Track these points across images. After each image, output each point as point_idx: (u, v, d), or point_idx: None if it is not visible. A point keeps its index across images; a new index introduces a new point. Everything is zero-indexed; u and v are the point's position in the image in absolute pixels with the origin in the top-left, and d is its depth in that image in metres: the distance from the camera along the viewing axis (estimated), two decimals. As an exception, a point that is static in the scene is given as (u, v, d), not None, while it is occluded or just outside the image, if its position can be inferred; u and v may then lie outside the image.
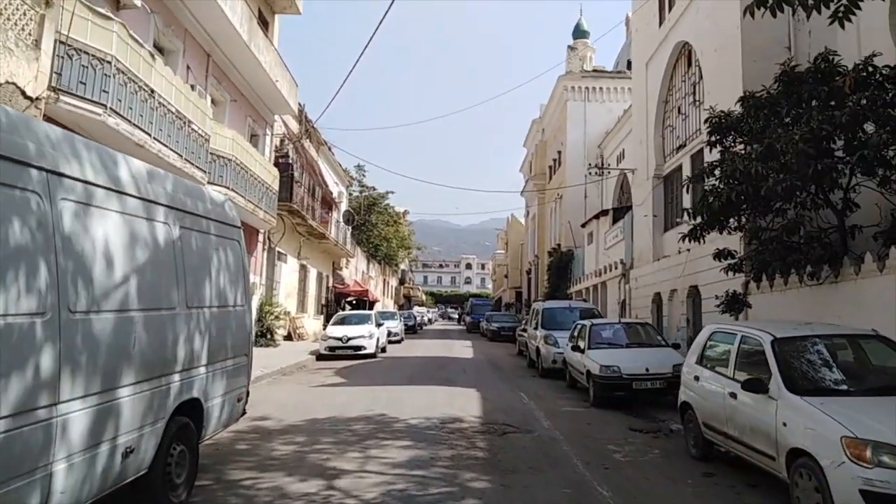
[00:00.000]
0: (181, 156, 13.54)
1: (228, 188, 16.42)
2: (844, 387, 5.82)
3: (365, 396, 11.41)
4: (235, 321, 6.30)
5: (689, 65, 17.45)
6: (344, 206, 36.11)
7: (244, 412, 6.67)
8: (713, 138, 11.32)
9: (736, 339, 6.64)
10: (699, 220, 11.34)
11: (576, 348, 12.17)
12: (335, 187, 34.16)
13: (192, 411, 5.32)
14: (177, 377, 5.03)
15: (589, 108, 35.09)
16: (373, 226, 47.11)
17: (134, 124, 11.52)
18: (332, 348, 19.71)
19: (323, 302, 32.27)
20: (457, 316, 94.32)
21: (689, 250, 15.93)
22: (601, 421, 9.61)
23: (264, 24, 20.78)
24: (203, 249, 5.71)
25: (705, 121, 10.98)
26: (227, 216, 6.41)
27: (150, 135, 12.13)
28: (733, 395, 6.22)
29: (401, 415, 9.44)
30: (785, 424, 5.28)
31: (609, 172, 22.98)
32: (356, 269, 41.17)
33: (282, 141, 23.69)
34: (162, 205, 5.02)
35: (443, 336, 39.24)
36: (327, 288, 33.23)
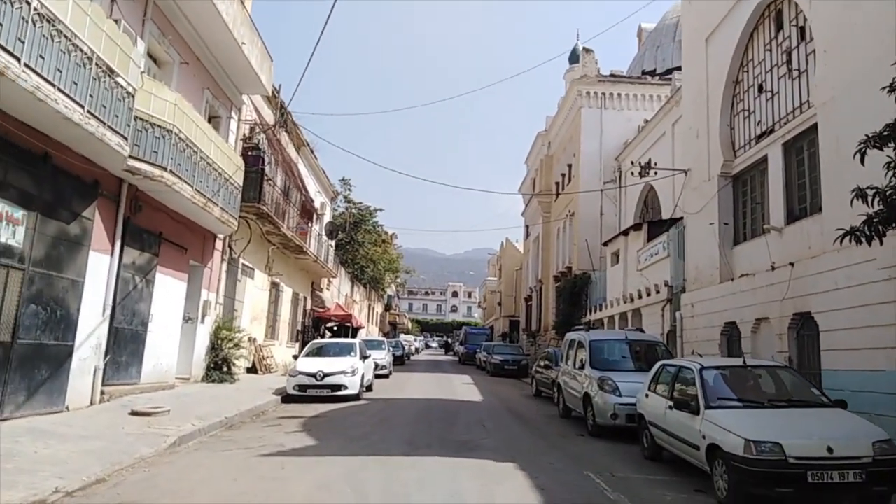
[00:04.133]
0: (82, 106, 9.15)
1: (165, 169, 12.02)
2: None
3: (340, 484, 6.87)
4: None
5: (779, 27, 13.45)
6: (328, 219, 31.67)
7: None
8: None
9: None
10: (880, 209, 7.07)
11: (682, 405, 7.72)
12: (318, 197, 29.79)
13: None
14: None
15: (605, 116, 31.26)
16: (359, 245, 42.65)
17: (-19, 31, 7.15)
18: (302, 387, 15.10)
19: (299, 327, 27.63)
20: (440, 345, 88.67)
21: (792, 264, 11.74)
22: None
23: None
24: None
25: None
26: None
27: (18, 59, 7.74)
28: None
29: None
30: None
31: (654, 174, 18.89)
32: (339, 292, 36.60)
33: (251, 129, 19.35)
34: None
35: (436, 369, 34.57)
36: (304, 311, 28.61)
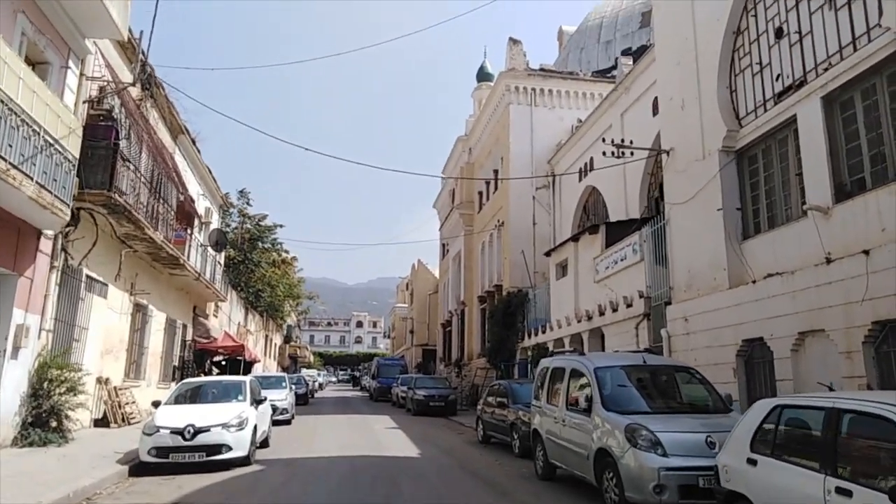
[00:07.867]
0: None
1: None
2: None
3: None
4: None
5: (804, -47, 10.44)
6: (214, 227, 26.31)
7: None
8: None
9: None
10: None
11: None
12: (202, 200, 24.54)
13: None
14: None
15: (536, 115, 28.29)
16: (255, 265, 37.08)
17: None
18: (162, 450, 10.13)
19: (176, 363, 22.09)
20: (339, 379, 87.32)
21: (866, 252, 8.46)
22: None
23: None
24: None
25: None
26: None
27: None
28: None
29: None
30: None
31: (632, 154, 15.59)
32: (229, 320, 31.02)
33: (101, 90, 14.29)
34: None
35: (347, 408, 29.66)
36: (184, 343, 23.07)
